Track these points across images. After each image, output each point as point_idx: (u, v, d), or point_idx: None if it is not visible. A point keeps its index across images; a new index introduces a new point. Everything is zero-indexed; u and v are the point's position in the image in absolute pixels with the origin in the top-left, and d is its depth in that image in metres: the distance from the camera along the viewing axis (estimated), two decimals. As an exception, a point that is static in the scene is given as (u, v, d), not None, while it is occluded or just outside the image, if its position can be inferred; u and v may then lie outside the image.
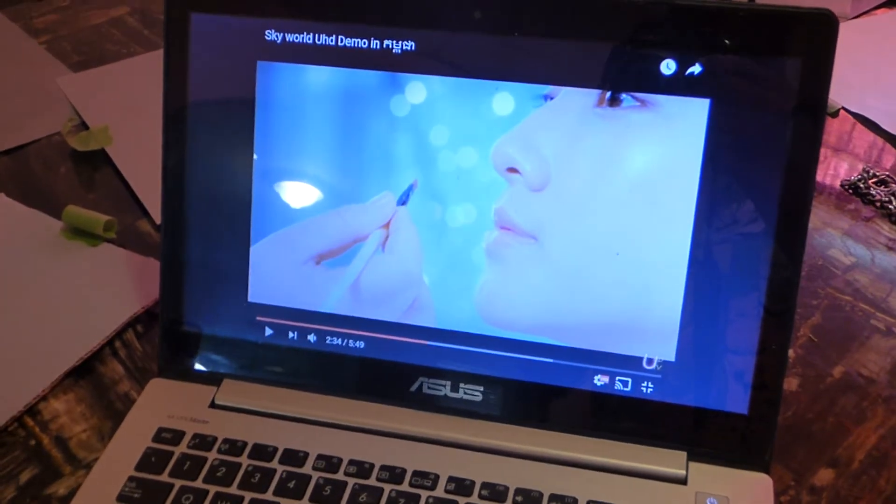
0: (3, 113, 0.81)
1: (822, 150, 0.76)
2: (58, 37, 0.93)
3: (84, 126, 0.78)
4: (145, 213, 0.68)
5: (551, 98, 0.46)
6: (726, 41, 0.44)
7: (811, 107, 0.44)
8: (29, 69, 0.87)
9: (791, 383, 0.55)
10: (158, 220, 0.67)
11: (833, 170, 0.74)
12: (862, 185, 0.70)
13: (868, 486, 0.49)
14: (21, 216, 0.68)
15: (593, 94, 0.45)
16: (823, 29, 0.43)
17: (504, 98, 0.46)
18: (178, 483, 0.46)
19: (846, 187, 0.71)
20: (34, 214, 0.68)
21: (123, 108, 0.79)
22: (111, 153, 0.74)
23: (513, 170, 0.47)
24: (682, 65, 0.44)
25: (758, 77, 0.44)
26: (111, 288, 0.61)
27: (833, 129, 0.79)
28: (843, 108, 0.81)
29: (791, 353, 0.57)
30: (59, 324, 0.59)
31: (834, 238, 0.66)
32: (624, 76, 0.45)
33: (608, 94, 0.45)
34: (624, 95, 0.45)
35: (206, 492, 0.46)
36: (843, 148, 0.77)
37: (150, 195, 0.69)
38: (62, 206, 0.67)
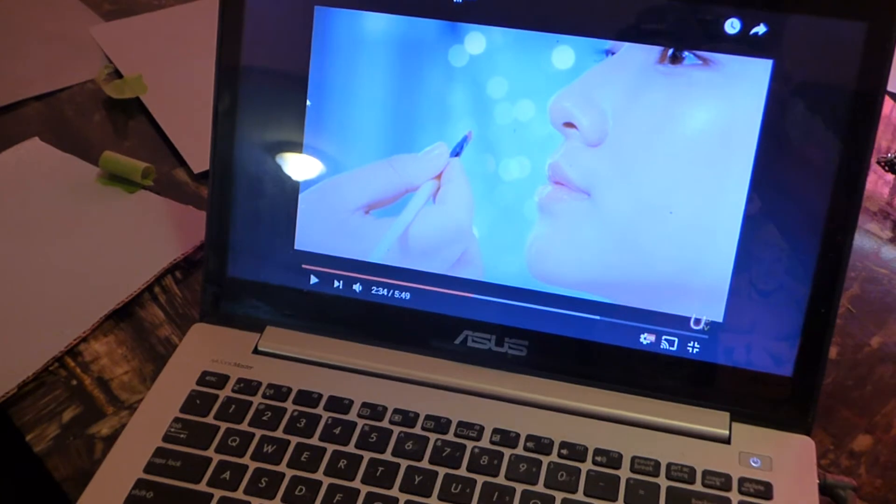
0: (35, 60, 0.80)
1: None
2: (89, -14, 0.92)
3: (118, 74, 0.77)
4: (182, 163, 0.68)
5: (612, 53, 0.46)
6: (791, 1, 0.44)
7: (873, 73, 0.44)
8: (61, 17, 0.86)
9: (830, 352, 0.55)
10: (196, 169, 0.67)
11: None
12: (898, 162, 0.70)
13: (905, 454, 0.50)
14: (57, 161, 0.68)
15: (655, 50, 0.45)
16: (890, -7, 0.43)
17: (564, 52, 0.46)
18: (224, 425, 0.47)
19: (883, 164, 0.71)
20: (70, 159, 0.68)
21: (157, 57, 0.79)
22: (146, 102, 0.73)
23: (570, 124, 0.47)
24: (747, 24, 0.44)
25: (821, 39, 0.44)
26: (149, 234, 0.61)
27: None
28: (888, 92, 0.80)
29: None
30: (98, 268, 0.59)
31: (871, 213, 0.66)
32: (687, 33, 0.45)
33: (670, 51, 0.45)
34: (686, 53, 0.45)
35: (252, 434, 0.46)
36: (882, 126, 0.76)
37: (187, 144, 0.69)
38: (97, 152, 0.67)
